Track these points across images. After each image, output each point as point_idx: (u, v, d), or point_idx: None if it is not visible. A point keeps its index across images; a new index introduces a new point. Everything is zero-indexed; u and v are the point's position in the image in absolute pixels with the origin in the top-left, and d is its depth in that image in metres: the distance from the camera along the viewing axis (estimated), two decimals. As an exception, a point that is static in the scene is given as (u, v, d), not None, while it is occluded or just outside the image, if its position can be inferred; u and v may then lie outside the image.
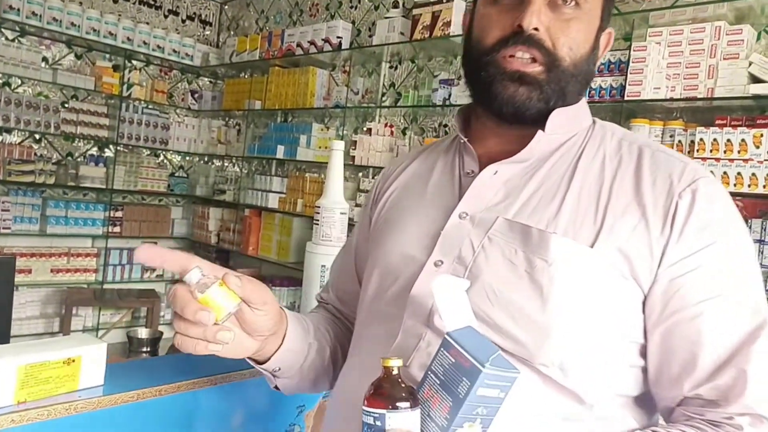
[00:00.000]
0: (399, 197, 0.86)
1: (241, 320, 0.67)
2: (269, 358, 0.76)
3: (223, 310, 0.62)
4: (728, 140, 2.09)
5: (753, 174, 2.03)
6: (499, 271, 0.67)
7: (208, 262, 0.65)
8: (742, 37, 2.11)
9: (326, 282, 1.02)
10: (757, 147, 2.03)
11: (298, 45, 3.79)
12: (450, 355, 0.58)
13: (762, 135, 2.02)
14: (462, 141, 0.79)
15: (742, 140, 2.06)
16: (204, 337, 0.64)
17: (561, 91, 0.72)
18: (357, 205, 3.30)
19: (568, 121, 0.75)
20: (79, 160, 4.22)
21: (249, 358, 0.74)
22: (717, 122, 2.13)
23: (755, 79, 2.05)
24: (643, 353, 0.68)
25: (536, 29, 0.69)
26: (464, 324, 0.61)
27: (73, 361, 0.85)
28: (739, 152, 2.06)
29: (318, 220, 1.32)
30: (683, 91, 2.20)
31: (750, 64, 2.05)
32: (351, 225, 2.59)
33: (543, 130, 0.72)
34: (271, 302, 0.69)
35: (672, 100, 2.23)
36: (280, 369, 0.78)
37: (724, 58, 2.12)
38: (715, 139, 2.11)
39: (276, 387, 0.83)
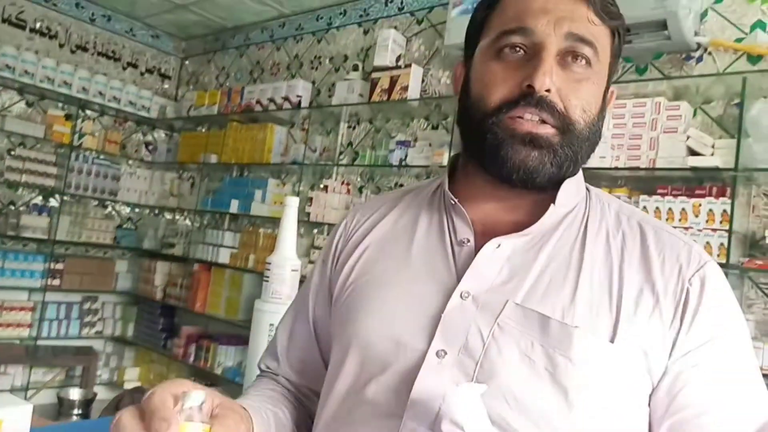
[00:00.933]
0: (373, 259, 0.75)
1: None
2: None
3: None
4: (669, 209, 2.18)
5: (694, 241, 2.12)
6: (517, 368, 0.60)
7: (213, 391, 0.57)
8: (680, 113, 2.24)
9: (271, 348, 0.87)
10: (696, 216, 2.13)
11: (258, 102, 3.82)
12: None
13: (700, 205, 2.13)
14: (452, 202, 0.71)
15: (683, 209, 2.16)
16: None
17: (574, 155, 0.66)
18: (310, 262, 3.26)
19: (574, 190, 0.70)
20: (21, 209, 4.05)
21: None
22: (659, 191, 2.23)
23: (693, 152, 2.17)
24: None
25: (548, 90, 0.64)
26: None
27: (-11, 425, 0.77)
28: (680, 220, 2.15)
29: (268, 277, 1.28)
30: (627, 161, 2.30)
31: (687, 138, 2.17)
32: (303, 282, 2.54)
33: (548, 196, 0.67)
34: None
35: (617, 169, 2.33)
36: None
37: (664, 132, 2.24)
38: (657, 207, 2.20)
39: None
